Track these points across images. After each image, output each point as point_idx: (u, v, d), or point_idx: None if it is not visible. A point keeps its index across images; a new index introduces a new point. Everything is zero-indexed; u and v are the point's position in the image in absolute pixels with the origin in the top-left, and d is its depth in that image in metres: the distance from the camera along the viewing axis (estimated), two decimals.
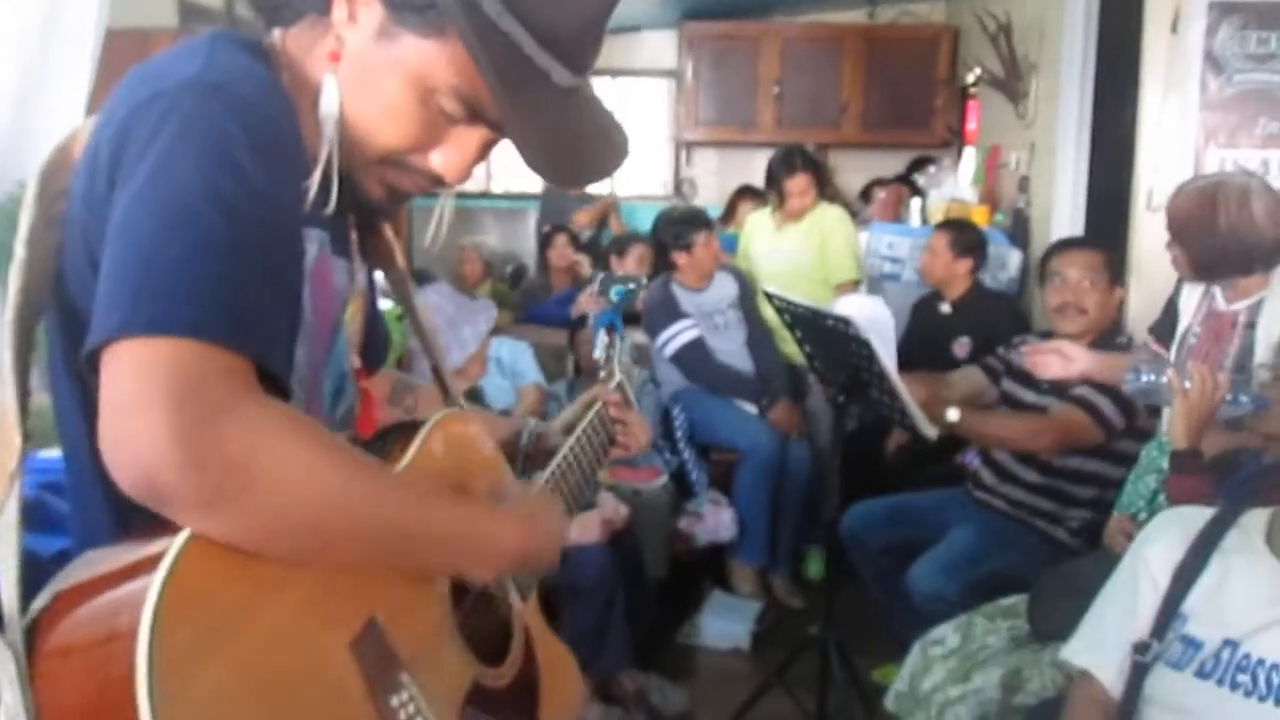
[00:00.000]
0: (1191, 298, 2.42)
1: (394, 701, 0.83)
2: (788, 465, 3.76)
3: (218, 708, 0.71)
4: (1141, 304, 3.36)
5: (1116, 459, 2.67)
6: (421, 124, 0.91)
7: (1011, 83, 4.40)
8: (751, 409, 3.83)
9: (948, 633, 2.31)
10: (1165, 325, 2.52)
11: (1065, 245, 2.91)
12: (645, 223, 6.26)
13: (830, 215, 4.11)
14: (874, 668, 3.07)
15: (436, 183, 0.95)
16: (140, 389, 0.71)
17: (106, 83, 2.48)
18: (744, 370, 3.92)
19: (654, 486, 3.52)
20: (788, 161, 4.06)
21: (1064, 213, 4.02)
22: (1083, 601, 1.75)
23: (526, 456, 1.37)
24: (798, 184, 4.03)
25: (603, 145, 0.98)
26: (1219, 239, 2.21)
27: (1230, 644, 1.41)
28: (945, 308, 3.91)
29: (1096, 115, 3.95)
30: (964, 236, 3.90)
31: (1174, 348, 2.43)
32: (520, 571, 1.00)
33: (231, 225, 0.76)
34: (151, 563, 0.71)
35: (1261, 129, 3.21)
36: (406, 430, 1.00)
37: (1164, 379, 2.04)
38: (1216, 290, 2.35)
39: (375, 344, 1.16)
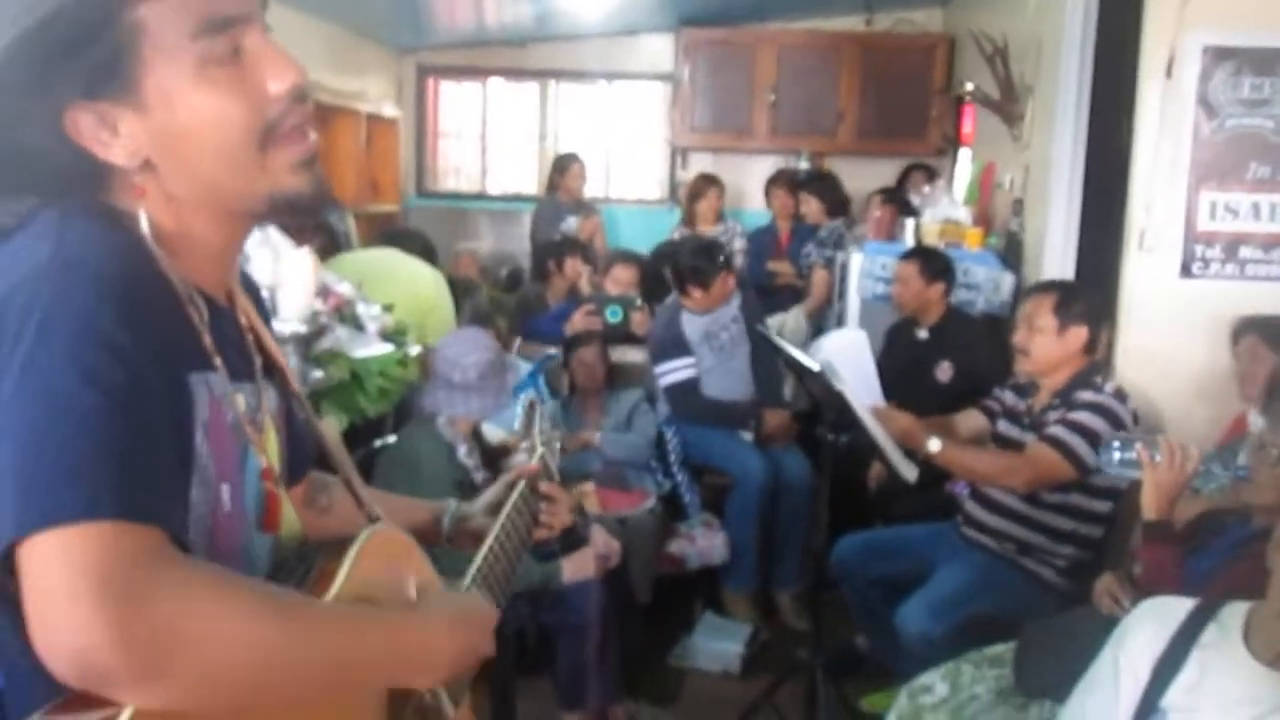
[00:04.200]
0: None
1: None
2: (785, 482, 3.78)
3: None
4: (1131, 345, 3.41)
5: (1094, 492, 2.74)
6: (239, 94, 0.89)
7: (1007, 105, 4.40)
8: (747, 435, 3.86)
9: (935, 680, 2.36)
10: None
11: (1034, 287, 2.99)
12: (638, 226, 6.29)
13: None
14: (863, 692, 3.12)
15: (299, 99, 0.92)
16: (61, 580, 0.73)
17: None
18: (740, 395, 3.95)
19: (640, 512, 3.54)
20: None
21: (1057, 239, 4.01)
22: (1066, 662, 1.80)
23: (449, 540, 1.39)
24: None
25: None
26: None
27: None
28: (923, 333, 3.91)
29: (1091, 143, 3.95)
30: (932, 262, 3.89)
31: None
32: (458, 670, 1.04)
33: (109, 399, 0.77)
34: None
35: (1252, 173, 3.24)
36: (336, 548, 1.03)
37: (1133, 454, 2.11)
38: None
39: (300, 456, 1.16)
